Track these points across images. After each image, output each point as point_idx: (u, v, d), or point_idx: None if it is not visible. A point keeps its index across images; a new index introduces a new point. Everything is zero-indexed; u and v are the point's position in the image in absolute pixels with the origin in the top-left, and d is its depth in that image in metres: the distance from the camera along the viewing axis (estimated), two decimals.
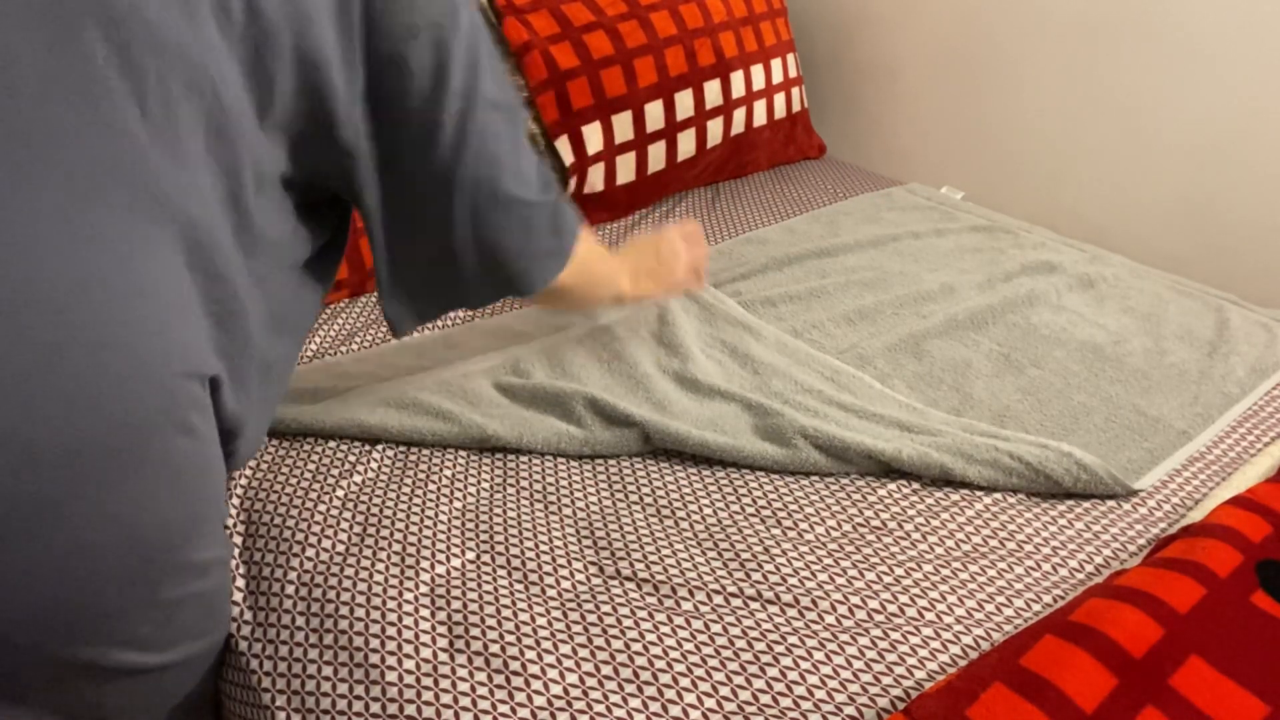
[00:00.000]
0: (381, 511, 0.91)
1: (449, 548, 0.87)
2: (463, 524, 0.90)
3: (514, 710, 0.71)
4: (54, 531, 0.60)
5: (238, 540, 0.90)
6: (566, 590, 0.82)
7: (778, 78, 1.75)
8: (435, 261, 0.83)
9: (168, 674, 0.75)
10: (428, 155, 0.76)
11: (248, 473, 0.96)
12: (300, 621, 0.81)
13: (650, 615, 0.79)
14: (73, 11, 0.60)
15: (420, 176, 0.78)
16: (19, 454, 0.57)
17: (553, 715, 0.70)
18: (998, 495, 0.93)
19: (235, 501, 0.93)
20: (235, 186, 0.68)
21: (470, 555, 0.86)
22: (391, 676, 0.74)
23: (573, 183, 1.51)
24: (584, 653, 0.75)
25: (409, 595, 0.81)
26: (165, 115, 0.63)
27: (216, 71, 0.64)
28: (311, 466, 0.97)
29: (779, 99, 1.76)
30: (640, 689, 0.72)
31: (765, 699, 0.71)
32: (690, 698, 0.71)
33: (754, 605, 0.80)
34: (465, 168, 0.78)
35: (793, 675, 0.73)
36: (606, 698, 0.72)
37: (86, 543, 0.62)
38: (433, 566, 0.84)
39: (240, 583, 0.86)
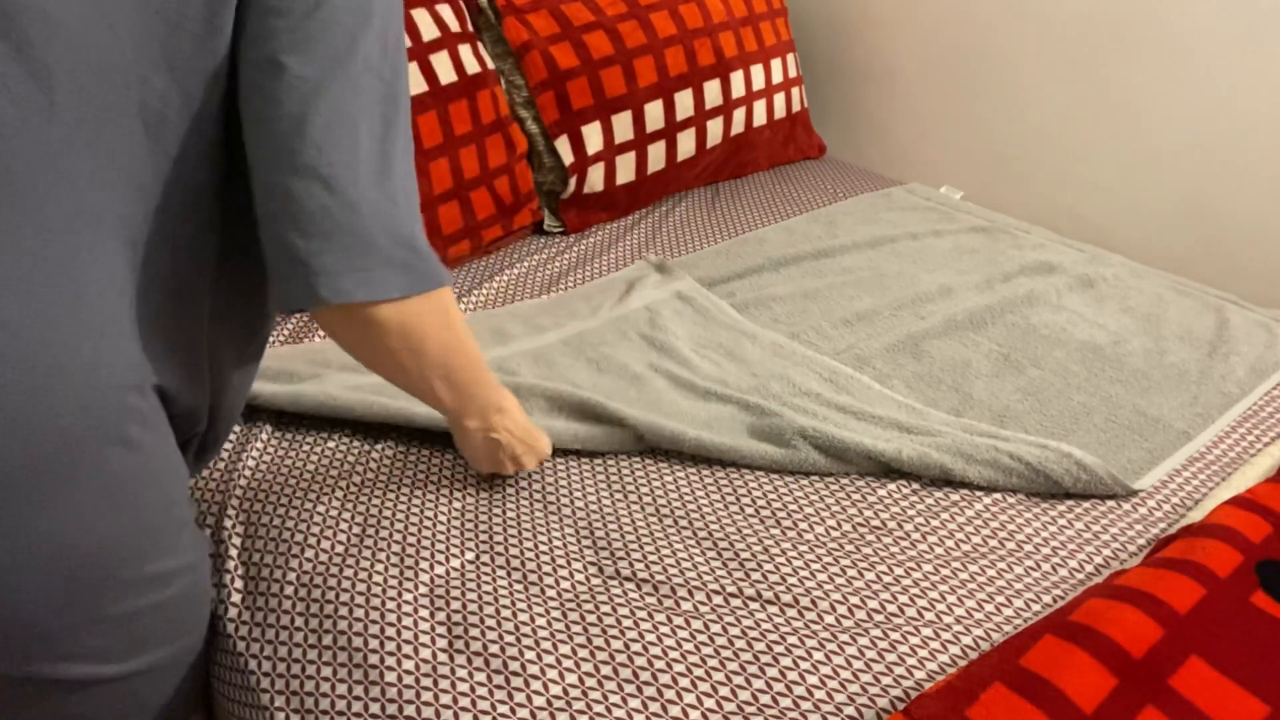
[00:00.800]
0: (381, 511, 0.91)
1: (449, 548, 0.86)
2: (462, 524, 0.89)
3: (514, 710, 0.71)
4: None
5: (237, 540, 0.90)
6: (566, 590, 0.82)
7: (778, 78, 1.75)
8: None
9: (135, 681, 0.73)
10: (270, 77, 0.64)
11: (247, 473, 0.96)
12: (299, 622, 0.80)
13: (650, 615, 0.79)
14: None
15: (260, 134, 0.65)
16: None
17: (553, 715, 0.70)
18: (998, 495, 0.93)
19: (235, 502, 0.93)
20: (167, 176, 0.64)
21: (470, 555, 0.86)
22: (391, 676, 0.74)
23: (573, 183, 1.51)
24: (584, 653, 0.75)
25: (408, 595, 0.81)
26: (78, 112, 0.60)
27: (128, 54, 0.60)
28: (311, 466, 0.97)
29: (779, 99, 1.76)
30: (640, 689, 0.72)
31: (765, 699, 0.71)
32: (690, 698, 0.71)
33: (754, 605, 0.80)
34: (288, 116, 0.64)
35: (793, 675, 0.73)
36: (606, 698, 0.72)
37: (12, 561, 0.60)
38: (432, 566, 0.84)
39: (239, 583, 0.86)
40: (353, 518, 0.90)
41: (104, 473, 0.63)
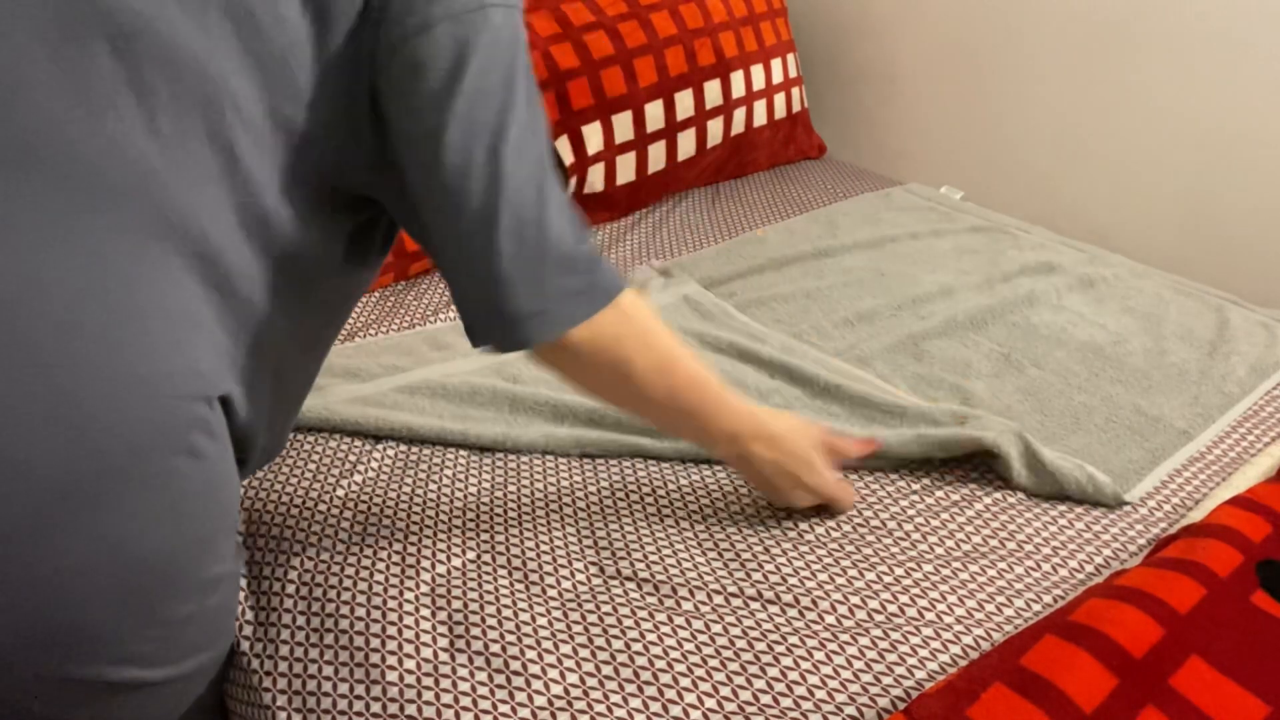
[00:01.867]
0: (382, 511, 0.91)
1: (449, 548, 0.87)
2: (463, 524, 0.90)
3: (514, 710, 0.71)
4: (41, 551, 0.59)
5: (237, 540, 0.90)
6: (567, 590, 0.82)
7: (778, 78, 1.75)
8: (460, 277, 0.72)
9: (175, 686, 0.74)
10: (434, 170, 0.67)
11: None
12: (301, 621, 0.81)
13: (650, 615, 0.79)
14: (81, 23, 0.59)
15: (423, 190, 0.69)
16: (5, 470, 0.56)
17: (553, 715, 0.70)
18: (998, 495, 0.93)
19: None
20: (252, 203, 0.66)
21: (470, 555, 0.86)
22: (392, 676, 0.74)
23: (573, 183, 1.51)
24: (584, 653, 0.75)
25: (409, 595, 0.81)
26: (176, 132, 0.61)
27: (233, 85, 0.62)
28: (312, 466, 0.97)
29: (779, 99, 1.76)
30: (640, 689, 0.72)
31: (765, 699, 0.71)
32: (690, 698, 0.71)
33: (754, 605, 0.80)
34: (472, 194, 0.67)
35: (793, 675, 0.73)
36: (607, 698, 0.72)
37: (76, 565, 0.61)
38: (433, 566, 0.84)
39: (241, 583, 0.86)
40: (354, 517, 0.90)
41: (171, 482, 0.63)
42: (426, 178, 0.67)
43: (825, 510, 0.91)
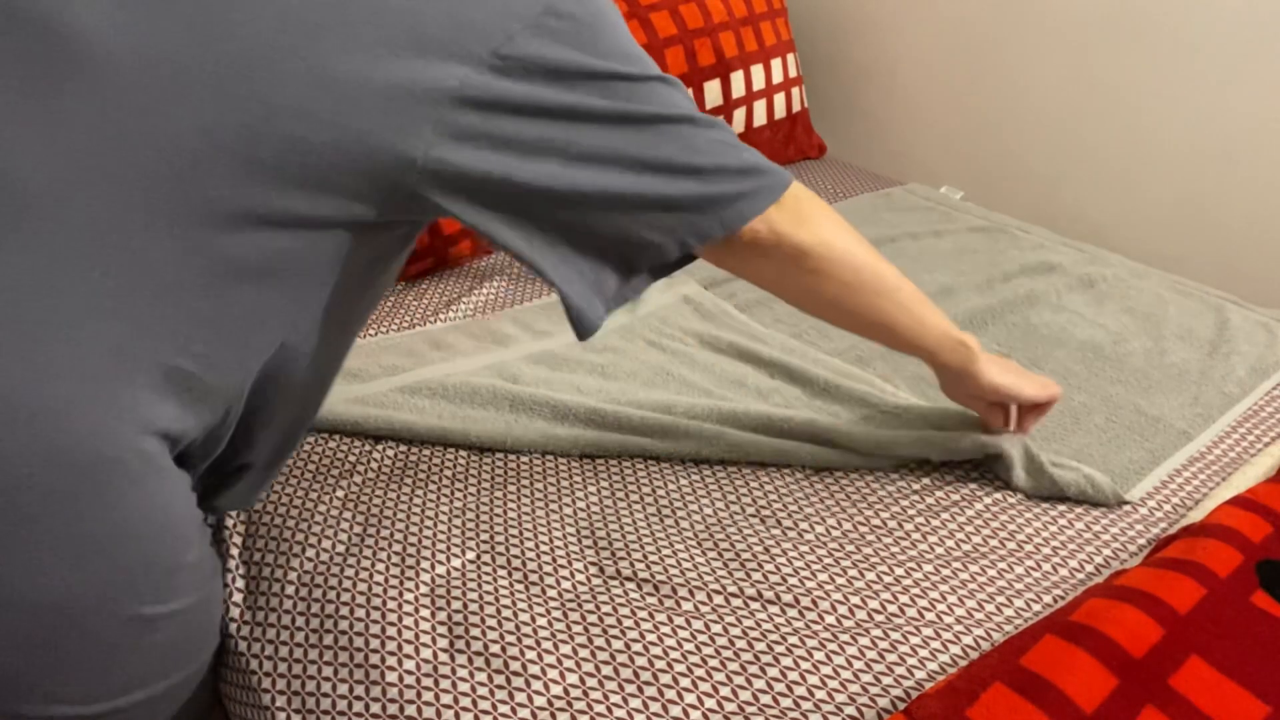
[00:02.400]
0: (381, 511, 0.91)
1: (449, 548, 0.87)
2: (463, 524, 0.90)
3: (514, 710, 0.71)
4: None
5: (237, 540, 0.90)
6: (566, 590, 0.82)
7: (778, 78, 1.75)
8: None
9: (131, 711, 0.71)
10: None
11: None
12: (300, 622, 0.80)
13: (650, 615, 0.79)
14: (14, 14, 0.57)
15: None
16: None
17: (553, 715, 0.70)
18: (998, 495, 0.93)
19: None
20: (207, 214, 0.60)
21: (470, 555, 0.86)
22: (392, 677, 0.74)
23: None
24: (584, 653, 0.75)
25: (409, 595, 0.81)
26: (110, 136, 0.58)
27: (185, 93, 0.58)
28: (312, 467, 0.97)
29: (779, 99, 1.76)
30: (640, 689, 0.72)
31: (765, 699, 0.71)
32: (690, 698, 0.71)
33: (754, 605, 0.80)
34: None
35: (793, 675, 0.73)
36: (607, 698, 0.72)
37: None
38: (433, 566, 0.84)
39: (239, 583, 0.86)
40: (353, 517, 0.90)
41: (70, 524, 0.59)
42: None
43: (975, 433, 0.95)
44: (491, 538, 0.88)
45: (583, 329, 0.73)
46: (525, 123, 0.65)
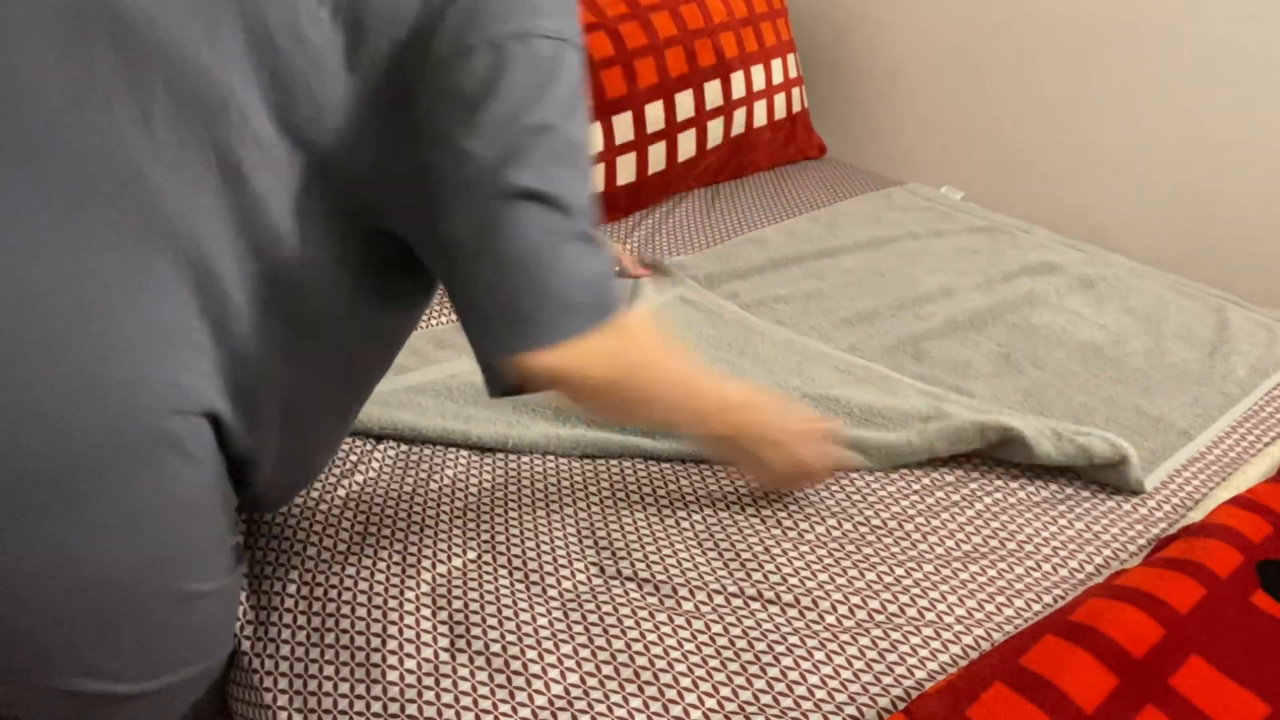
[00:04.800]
0: (382, 511, 0.91)
1: (450, 548, 0.87)
2: (464, 524, 0.90)
3: (514, 710, 0.71)
4: None
5: (240, 539, 0.90)
6: (567, 590, 0.82)
7: (778, 78, 1.75)
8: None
9: (156, 698, 0.72)
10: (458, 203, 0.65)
11: None
12: (301, 621, 0.81)
13: (650, 615, 0.79)
14: (88, 22, 0.58)
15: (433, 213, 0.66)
16: None
17: (553, 715, 0.70)
18: (998, 495, 0.93)
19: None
20: (257, 220, 0.63)
21: (471, 555, 0.86)
22: (393, 676, 0.74)
23: None
24: (584, 653, 0.76)
25: (410, 595, 0.81)
26: (172, 134, 0.60)
27: (242, 99, 0.61)
28: None
29: (779, 99, 1.76)
30: (640, 689, 0.72)
31: (765, 699, 0.71)
32: (690, 698, 0.72)
33: (754, 605, 0.80)
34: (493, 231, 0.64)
35: (793, 675, 0.73)
36: (607, 698, 0.72)
37: (21, 568, 0.59)
38: (433, 566, 0.84)
39: (242, 582, 0.86)
40: (354, 517, 0.90)
41: (127, 496, 0.62)
42: (436, 200, 0.65)
43: (805, 485, 0.91)
44: (492, 537, 0.88)
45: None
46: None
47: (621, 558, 0.85)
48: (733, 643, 0.76)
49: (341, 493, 0.93)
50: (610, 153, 1.53)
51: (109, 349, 0.59)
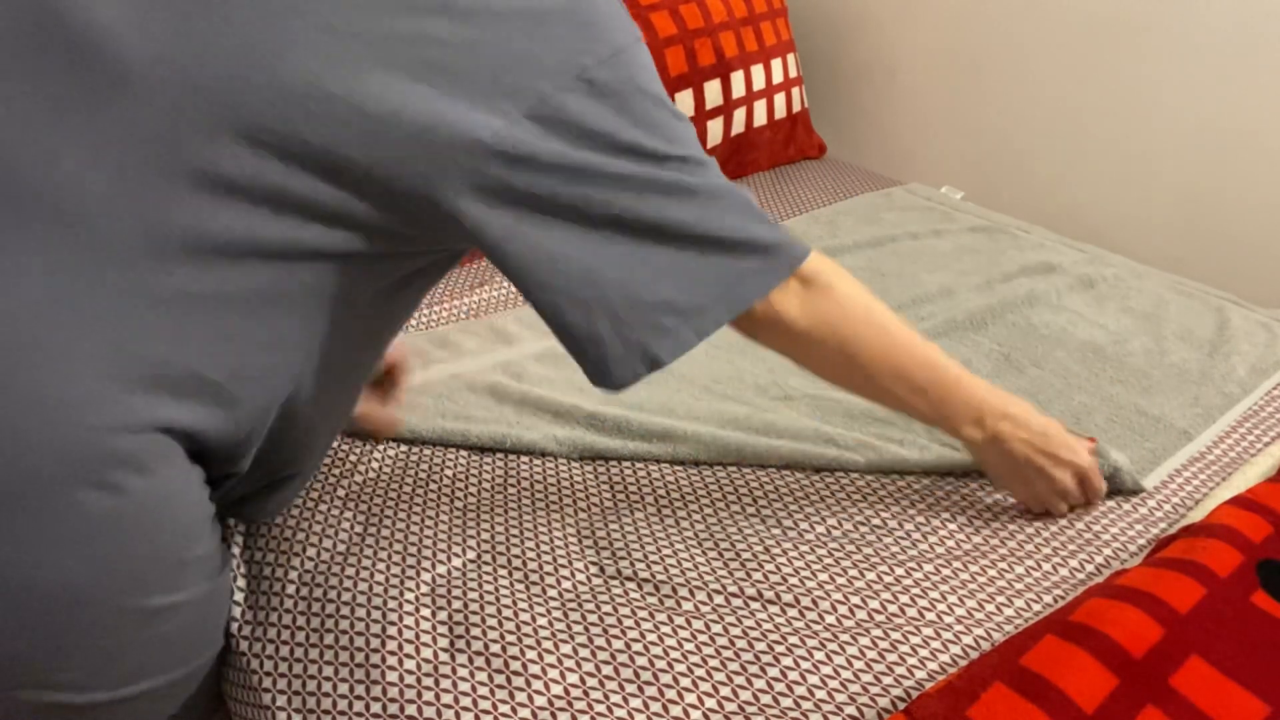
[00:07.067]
0: (382, 511, 0.91)
1: (449, 547, 0.87)
2: (463, 524, 0.90)
3: (514, 710, 0.71)
4: None
5: (238, 540, 0.90)
6: (567, 590, 0.82)
7: (778, 78, 1.75)
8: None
9: (135, 703, 0.71)
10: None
11: None
12: (300, 621, 0.81)
13: (650, 615, 0.79)
14: (38, 34, 0.58)
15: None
16: None
17: (553, 715, 0.70)
18: (998, 495, 0.93)
19: None
20: (219, 229, 0.62)
21: (471, 555, 0.86)
22: (392, 676, 0.74)
23: None
24: (584, 653, 0.75)
25: (409, 595, 0.81)
26: (126, 148, 0.59)
27: (209, 109, 0.60)
28: None
29: (779, 99, 1.76)
30: (640, 689, 0.72)
31: (765, 699, 0.71)
32: (690, 698, 0.71)
33: (754, 605, 0.80)
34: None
35: (793, 675, 0.73)
36: (607, 698, 0.72)
37: None
38: (433, 566, 0.84)
39: (240, 583, 0.86)
40: (354, 517, 0.90)
41: (78, 514, 0.60)
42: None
43: (1069, 501, 0.88)
44: (492, 537, 0.88)
45: (601, 384, 0.74)
46: (549, 182, 0.65)
47: (621, 558, 0.85)
48: (733, 643, 0.76)
49: (341, 493, 0.93)
50: None
51: (54, 368, 0.58)
